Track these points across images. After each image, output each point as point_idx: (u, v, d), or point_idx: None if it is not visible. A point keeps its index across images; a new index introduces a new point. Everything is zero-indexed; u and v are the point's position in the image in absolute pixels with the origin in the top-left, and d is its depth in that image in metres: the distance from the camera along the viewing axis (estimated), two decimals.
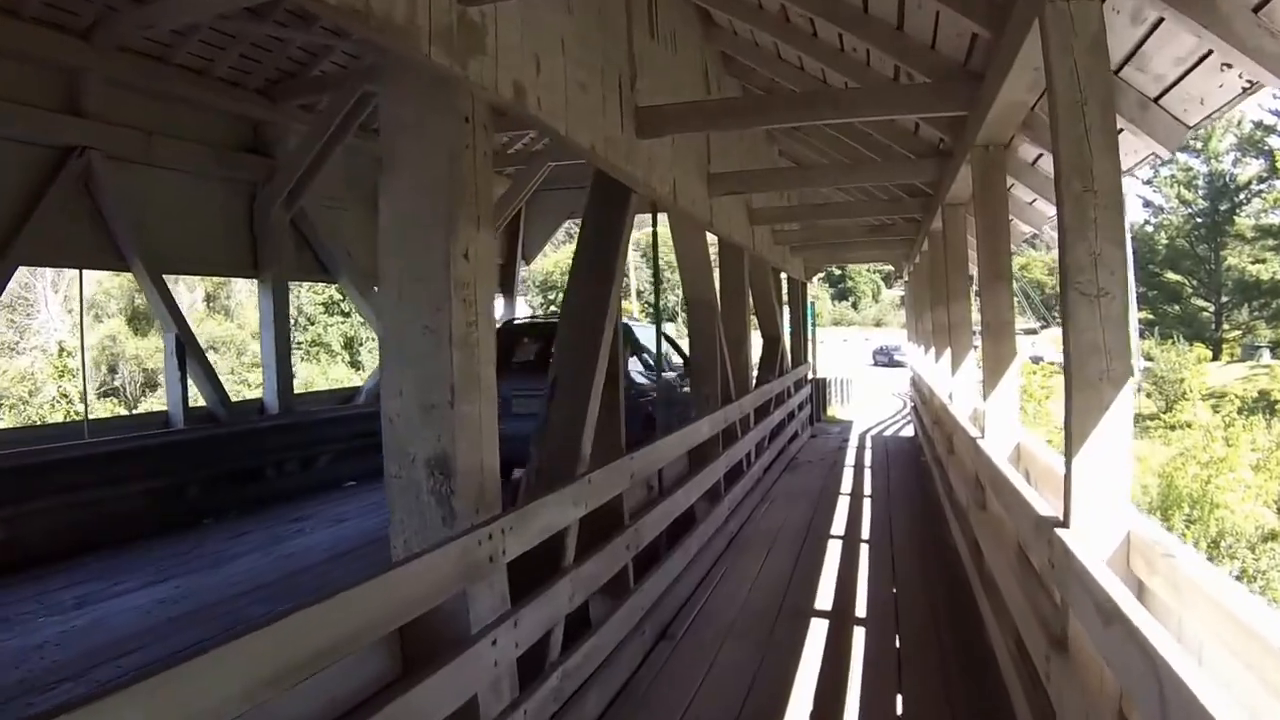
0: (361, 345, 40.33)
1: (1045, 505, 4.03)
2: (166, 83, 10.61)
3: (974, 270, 8.80)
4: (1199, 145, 57.67)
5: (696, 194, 9.10)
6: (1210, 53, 3.97)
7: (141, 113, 10.48)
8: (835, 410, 26.78)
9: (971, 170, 6.04)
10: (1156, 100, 4.77)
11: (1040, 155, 7.11)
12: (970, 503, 6.69)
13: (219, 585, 7.72)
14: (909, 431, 19.44)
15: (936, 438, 10.46)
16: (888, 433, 20.80)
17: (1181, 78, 4.43)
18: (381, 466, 4.24)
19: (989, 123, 5.38)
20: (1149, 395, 38.08)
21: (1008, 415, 6.07)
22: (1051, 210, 8.04)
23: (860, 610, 7.12)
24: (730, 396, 10.41)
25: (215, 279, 37.36)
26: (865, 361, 64.18)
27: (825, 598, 7.46)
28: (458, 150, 4.13)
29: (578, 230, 6.92)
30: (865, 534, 9.86)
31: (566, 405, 5.97)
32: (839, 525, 10.36)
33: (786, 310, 19.09)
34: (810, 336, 23.50)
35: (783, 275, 17.72)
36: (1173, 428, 31.80)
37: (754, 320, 13.73)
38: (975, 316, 7.94)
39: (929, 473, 12.00)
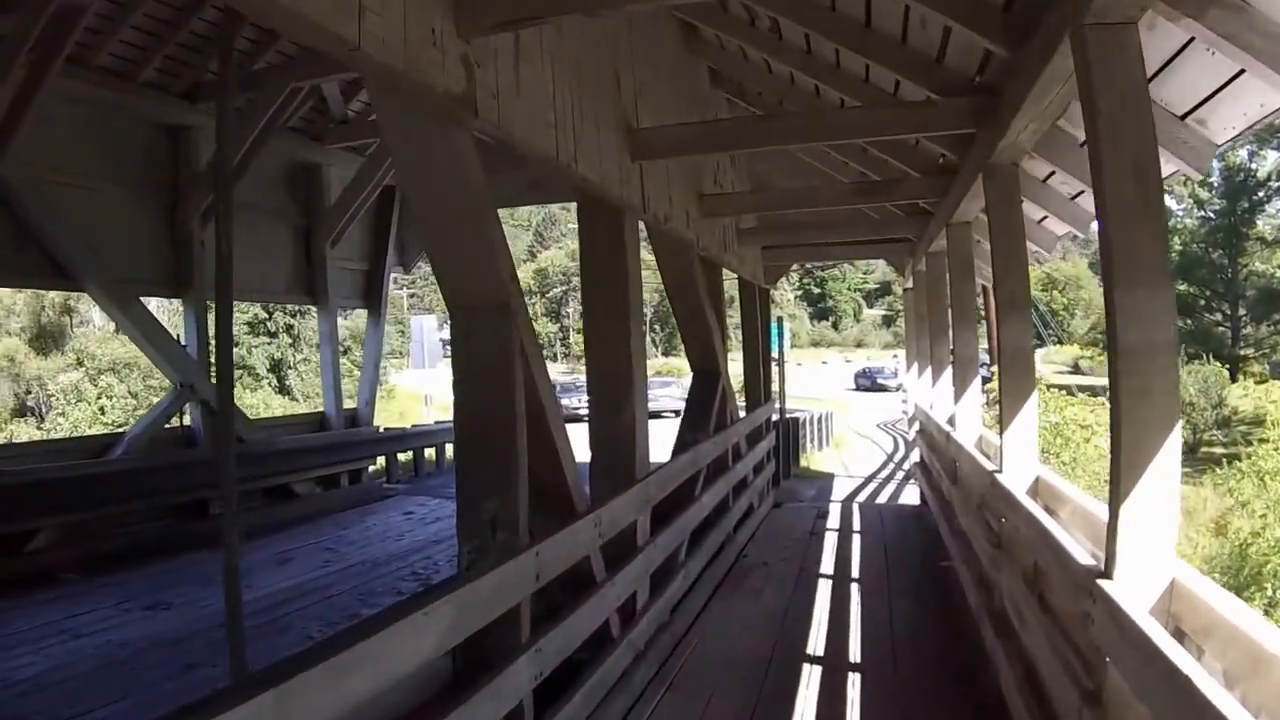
0: (291, 369, 39.46)
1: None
2: None
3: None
4: None
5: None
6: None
7: None
8: (811, 458, 23.79)
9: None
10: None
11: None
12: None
13: None
14: (911, 494, 16.22)
15: (978, 539, 7.20)
16: (883, 495, 17.76)
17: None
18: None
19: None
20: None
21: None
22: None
23: None
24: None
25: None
26: (847, 385, 64.01)
27: None
28: None
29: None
30: None
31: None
32: None
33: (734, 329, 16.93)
34: (778, 364, 19.84)
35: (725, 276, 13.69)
36: (1218, 462, 25.47)
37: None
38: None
39: (956, 586, 8.51)
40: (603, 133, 6.58)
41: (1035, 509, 5.15)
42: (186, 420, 12.41)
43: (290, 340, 39.57)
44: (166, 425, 12.30)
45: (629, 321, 6.88)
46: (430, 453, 20.29)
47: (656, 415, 37.40)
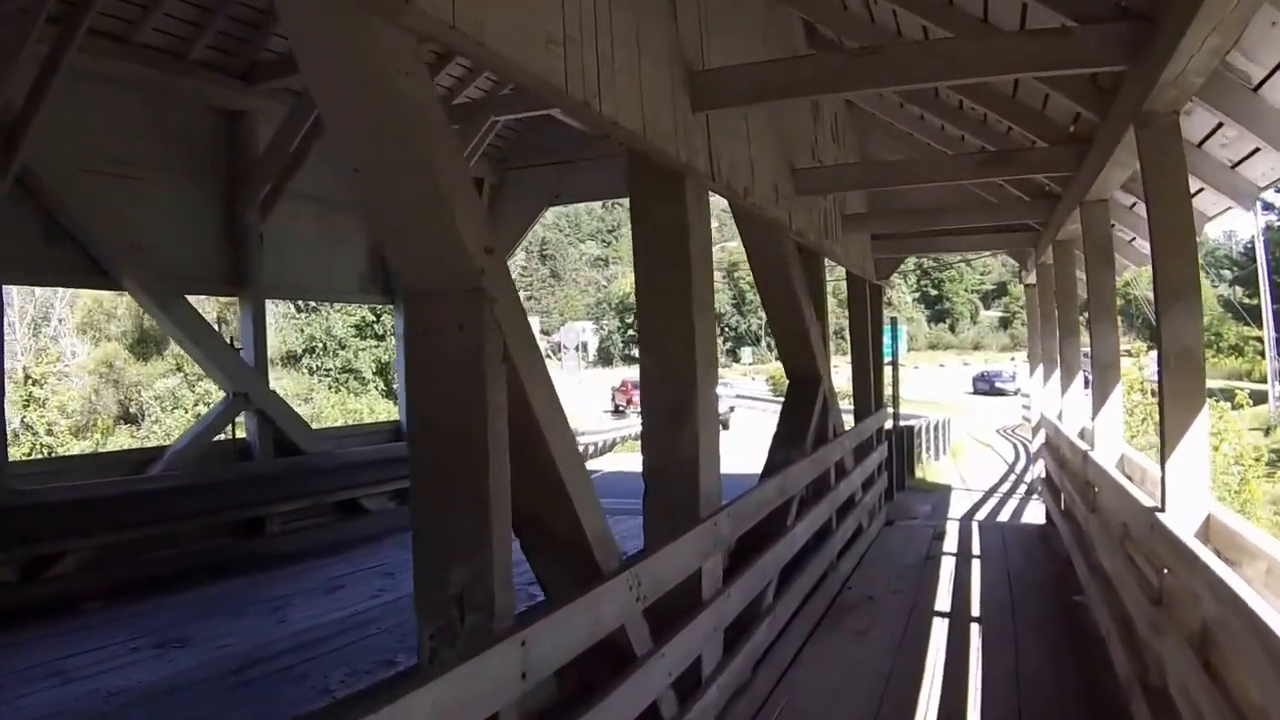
0: (398, 371, 38.40)
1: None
2: None
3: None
4: None
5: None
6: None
7: None
8: (926, 468, 21.84)
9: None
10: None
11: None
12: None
13: None
14: (1035, 512, 14.57)
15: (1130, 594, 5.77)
16: (1004, 512, 15.78)
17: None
18: None
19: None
20: None
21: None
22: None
23: None
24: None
25: None
26: (964, 389, 62.57)
27: None
28: None
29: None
30: None
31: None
32: None
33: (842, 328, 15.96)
34: (893, 369, 18.43)
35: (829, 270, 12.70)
36: None
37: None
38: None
39: (1093, 631, 7.21)
40: (648, 65, 5.03)
41: (1222, 570, 3.79)
42: (240, 433, 11.66)
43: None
44: (219, 438, 11.58)
45: (690, 314, 5.54)
46: None
47: None
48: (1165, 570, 4.72)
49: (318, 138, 11.16)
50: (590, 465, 24.03)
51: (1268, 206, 50.97)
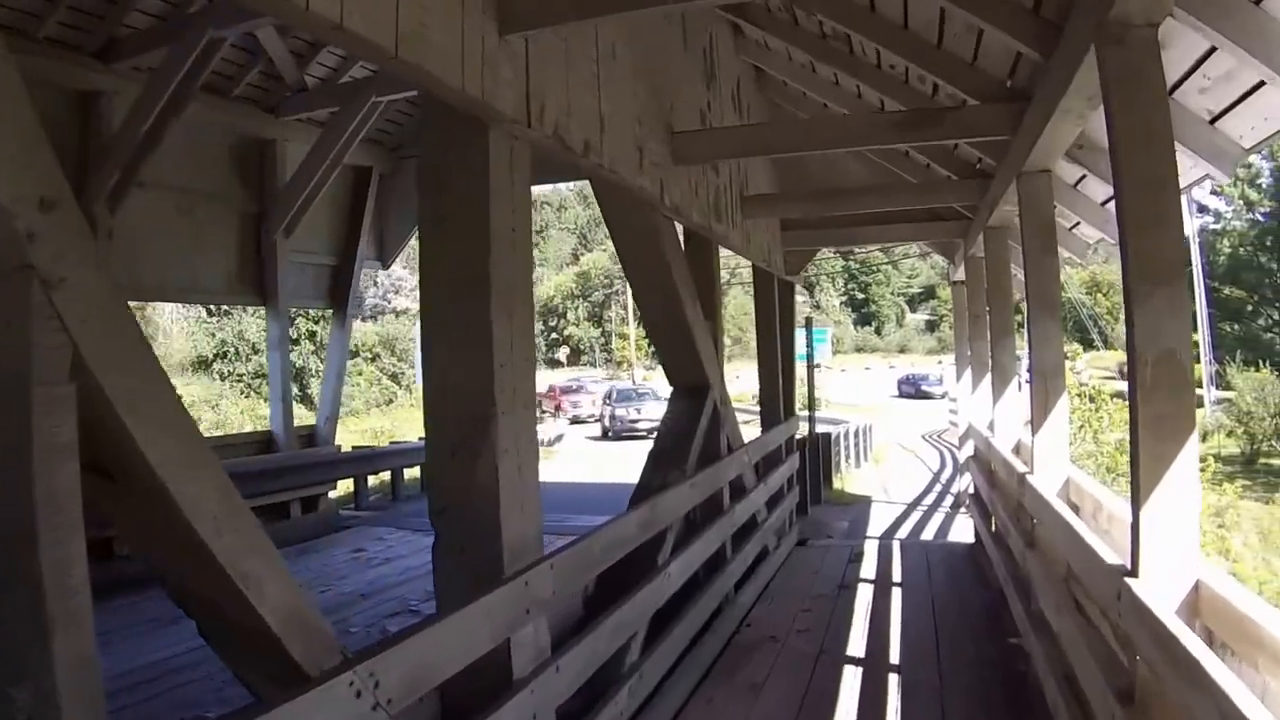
0: (315, 377, 38.87)
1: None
2: None
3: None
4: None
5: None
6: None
7: None
8: (846, 478, 20.25)
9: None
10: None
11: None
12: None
13: None
14: (961, 528, 13.37)
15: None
16: (929, 528, 14.48)
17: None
18: None
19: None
20: (1230, 434, 31.48)
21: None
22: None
23: None
24: None
25: None
26: (890, 392, 62.51)
27: None
28: None
29: None
30: None
31: None
32: None
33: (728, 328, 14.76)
34: (809, 373, 17.44)
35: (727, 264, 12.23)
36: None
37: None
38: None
39: (1033, 686, 6.04)
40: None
41: (1235, 690, 2.46)
42: None
43: (313, 348, 39.72)
44: None
45: (488, 308, 4.08)
46: (414, 472, 18.07)
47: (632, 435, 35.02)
48: (1140, 658, 3.40)
49: (175, 118, 10.19)
50: None
51: (1202, 209, 51.57)
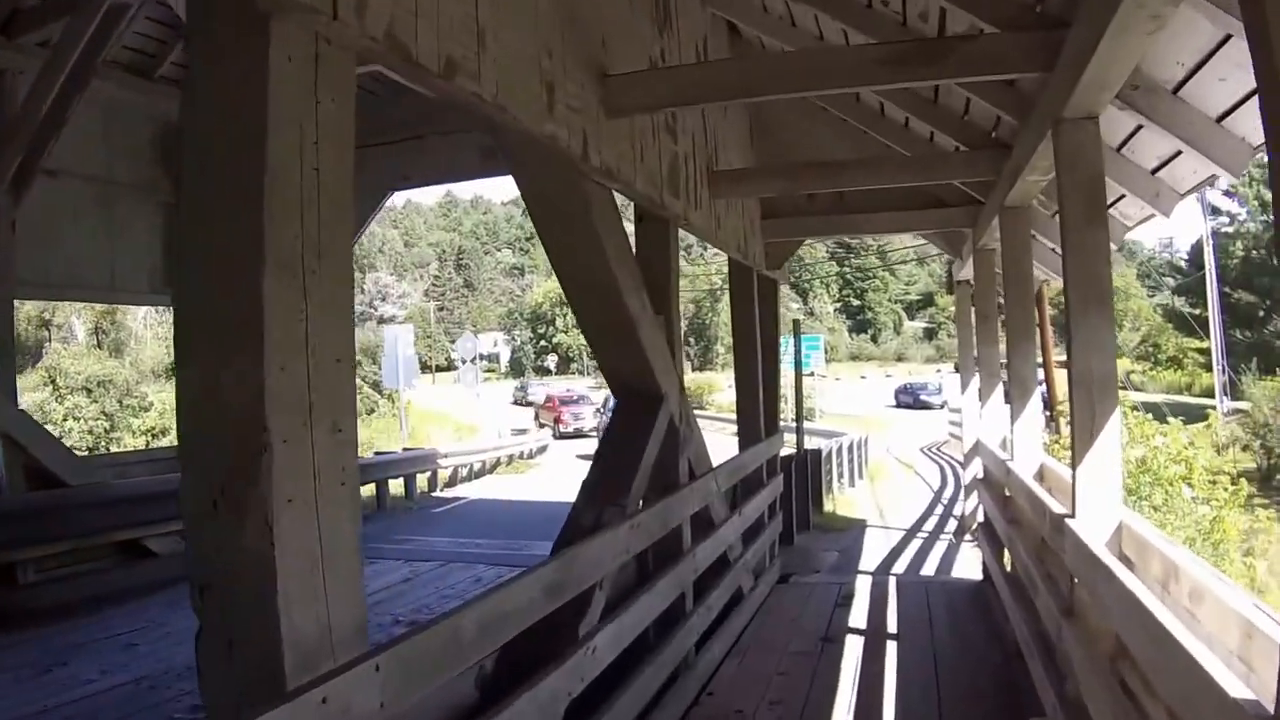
0: None
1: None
2: None
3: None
4: None
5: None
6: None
7: None
8: (838, 499, 18.37)
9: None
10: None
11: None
12: None
13: None
14: (967, 560, 11.83)
15: None
16: (930, 560, 12.74)
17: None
18: None
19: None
20: (1245, 448, 28.64)
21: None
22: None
23: None
24: None
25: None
26: (886, 402, 61.30)
27: None
28: None
29: None
30: None
31: None
32: None
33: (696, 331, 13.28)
34: (797, 383, 16.05)
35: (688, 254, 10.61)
36: None
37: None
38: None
39: None
40: None
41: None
42: None
43: None
44: None
45: (260, 276, 2.65)
46: (366, 490, 16.68)
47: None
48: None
49: (78, 97, 9.54)
50: (457, 491, 21.11)
51: (1215, 211, 49.87)
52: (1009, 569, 7.64)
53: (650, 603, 5.62)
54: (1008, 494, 7.43)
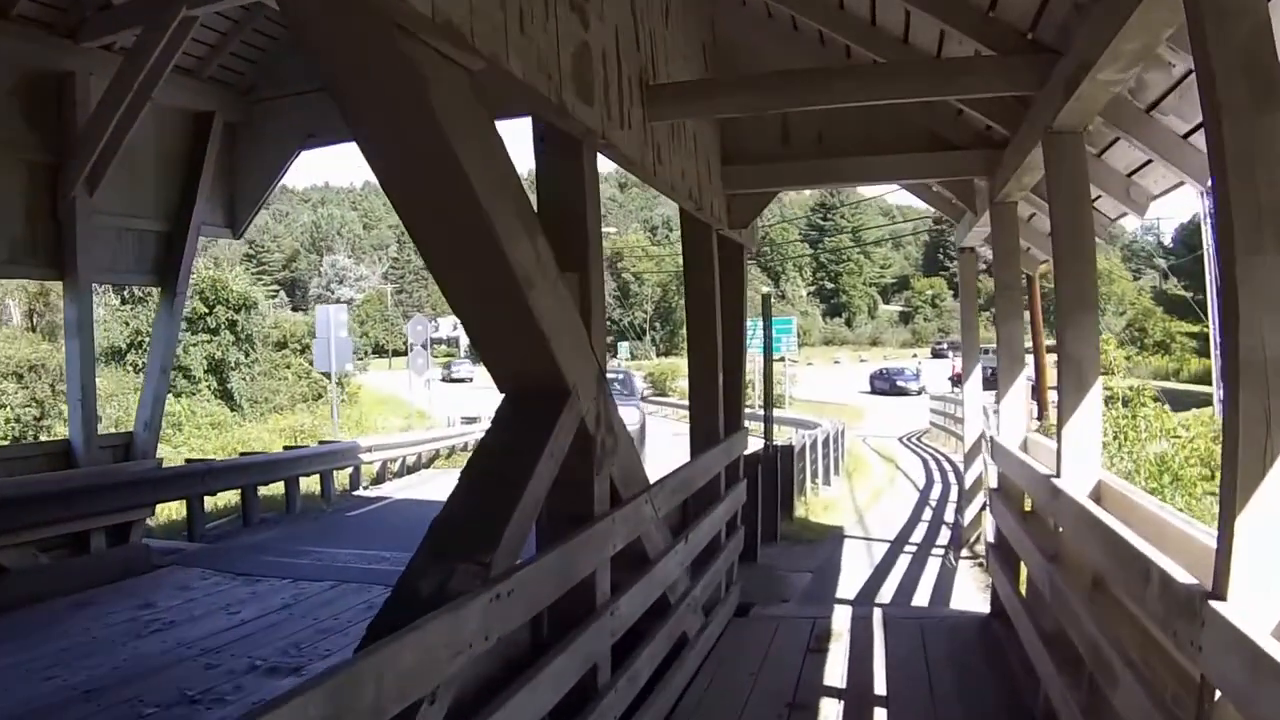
0: (234, 369, 38.18)
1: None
2: None
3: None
4: None
5: None
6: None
7: None
8: (811, 501, 16.28)
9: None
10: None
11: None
12: None
13: None
14: (965, 586, 10.06)
15: None
16: (922, 586, 10.50)
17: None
18: None
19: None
20: None
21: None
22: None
23: None
24: None
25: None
26: (861, 388, 60.51)
27: None
28: None
29: None
30: None
31: None
32: None
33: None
34: (767, 373, 14.21)
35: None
36: None
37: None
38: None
39: None
40: None
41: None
42: None
43: (234, 338, 38.19)
44: None
45: None
46: (273, 489, 14.76)
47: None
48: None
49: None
50: (383, 490, 19.09)
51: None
52: (1026, 597, 6.07)
53: (535, 696, 3.73)
54: (1050, 521, 5.57)
